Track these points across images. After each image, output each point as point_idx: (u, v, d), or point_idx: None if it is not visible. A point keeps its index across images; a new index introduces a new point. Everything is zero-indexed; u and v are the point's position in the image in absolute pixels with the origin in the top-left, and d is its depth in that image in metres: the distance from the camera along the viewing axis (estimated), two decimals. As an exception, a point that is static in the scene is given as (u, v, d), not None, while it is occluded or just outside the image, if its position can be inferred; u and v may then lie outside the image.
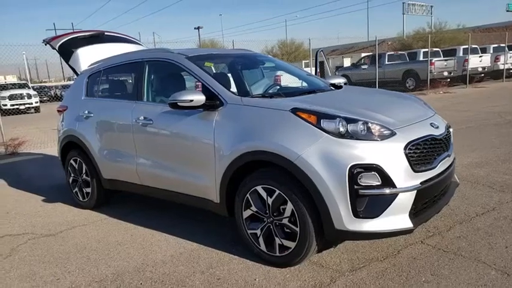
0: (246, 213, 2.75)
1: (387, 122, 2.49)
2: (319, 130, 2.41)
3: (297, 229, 2.48)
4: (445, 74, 16.71)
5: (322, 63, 6.41)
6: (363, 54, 25.45)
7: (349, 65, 23.82)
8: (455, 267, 2.50)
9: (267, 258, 2.70)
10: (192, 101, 2.85)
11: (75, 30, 4.83)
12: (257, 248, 2.74)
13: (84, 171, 4.16)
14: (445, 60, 16.95)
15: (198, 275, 2.67)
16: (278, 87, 3.79)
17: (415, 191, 2.38)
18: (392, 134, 2.42)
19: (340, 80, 3.93)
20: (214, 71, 3.45)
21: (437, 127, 2.72)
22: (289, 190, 2.47)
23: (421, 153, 2.48)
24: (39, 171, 6.47)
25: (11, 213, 4.34)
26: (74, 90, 4.42)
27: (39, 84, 39.37)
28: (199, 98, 2.87)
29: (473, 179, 4.20)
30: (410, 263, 2.60)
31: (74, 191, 4.35)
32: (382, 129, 2.42)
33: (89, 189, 4.16)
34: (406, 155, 2.37)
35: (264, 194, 2.61)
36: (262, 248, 2.71)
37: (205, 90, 2.97)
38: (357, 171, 2.29)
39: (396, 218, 2.36)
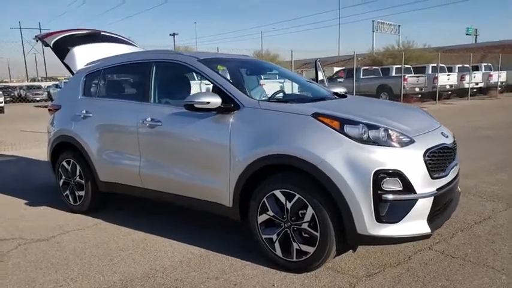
0: (262, 218, 2.72)
1: (405, 130, 2.55)
2: (342, 135, 2.43)
3: (317, 234, 2.48)
4: (417, 89, 17.40)
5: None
6: (336, 69, 26.08)
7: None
8: (467, 273, 2.57)
9: (283, 264, 2.67)
10: (208, 103, 2.82)
11: (71, 28, 4.66)
12: (272, 253, 2.71)
13: (78, 174, 3.99)
14: (417, 76, 17.65)
15: (212, 280, 2.61)
16: (282, 93, 3.80)
17: (433, 197, 2.44)
18: (411, 141, 2.48)
19: (341, 89, 4.00)
20: (228, 75, 3.41)
21: (447, 136, 2.82)
22: (310, 194, 2.47)
23: (437, 160, 2.55)
24: (15, 173, 6.15)
25: (-7, 217, 4.10)
26: (69, 89, 4.26)
27: (3, 84, 37.71)
28: (216, 100, 2.84)
29: (464, 189, 4.35)
30: (423, 268, 2.65)
31: (64, 194, 4.16)
32: (401, 137, 2.48)
33: (82, 193, 3.99)
34: (425, 161, 2.44)
35: (282, 198, 2.60)
36: (277, 253, 2.68)
37: (220, 93, 2.94)
38: (380, 176, 2.32)
39: (415, 223, 2.41)
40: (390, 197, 2.34)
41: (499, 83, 21.72)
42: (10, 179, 5.68)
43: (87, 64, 4.28)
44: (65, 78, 34.30)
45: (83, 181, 3.95)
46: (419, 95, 17.62)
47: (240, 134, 2.79)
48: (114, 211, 4.09)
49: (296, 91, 3.90)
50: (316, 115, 2.56)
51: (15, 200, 4.63)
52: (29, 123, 12.71)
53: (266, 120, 2.73)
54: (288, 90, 6.08)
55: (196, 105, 2.83)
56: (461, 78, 19.89)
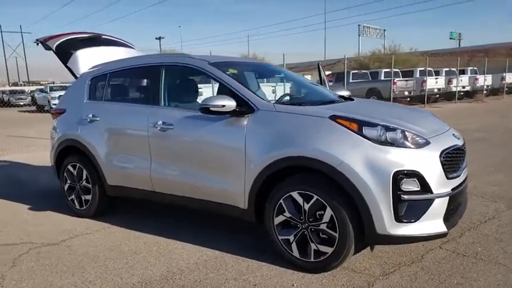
0: (278, 219, 2.76)
1: (421, 132, 2.62)
2: (361, 137, 2.49)
3: (336, 234, 2.52)
4: (406, 93, 17.66)
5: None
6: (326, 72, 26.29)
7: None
8: (481, 270, 2.65)
9: (300, 264, 2.71)
10: (224, 106, 2.85)
11: (72, 32, 4.64)
12: (289, 253, 2.75)
13: (84, 178, 3.97)
14: (406, 80, 17.93)
15: (231, 281, 2.63)
16: (289, 96, 3.84)
17: (448, 197, 2.51)
18: (427, 142, 2.55)
19: (345, 92, 4.07)
20: (244, 78, 3.45)
21: (458, 138, 2.90)
22: (329, 195, 2.52)
23: (451, 161, 2.62)
24: (12, 178, 6.06)
25: (-3, 222, 4.04)
26: (74, 93, 4.24)
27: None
28: (231, 103, 2.87)
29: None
30: (437, 267, 2.72)
31: (69, 198, 4.13)
32: (417, 138, 2.55)
33: (88, 197, 3.97)
34: (441, 162, 2.51)
35: (299, 200, 2.64)
36: (294, 254, 2.72)
37: (234, 96, 2.97)
38: (399, 177, 2.38)
39: (432, 222, 2.47)
40: (408, 197, 2.40)
41: (485, 87, 22.17)
42: (6, 184, 5.61)
43: (91, 68, 4.27)
44: (48, 83, 33.71)
45: (90, 185, 3.93)
46: (408, 99, 17.87)
47: (255, 137, 2.83)
48: (121, 215, 4.08)
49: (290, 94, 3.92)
50: (334, 117, 2.61)
51: (17, 205, 4.58)
52: (15, 128, 12.60)
53: (283, 123, 2.77)
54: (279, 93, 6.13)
55: (211, 109, 2.86)
56: (449, 82, 20.25)
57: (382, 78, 18.67)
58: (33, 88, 34.03)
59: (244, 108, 2.91)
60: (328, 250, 2.58)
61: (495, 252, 2.91)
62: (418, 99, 18.70)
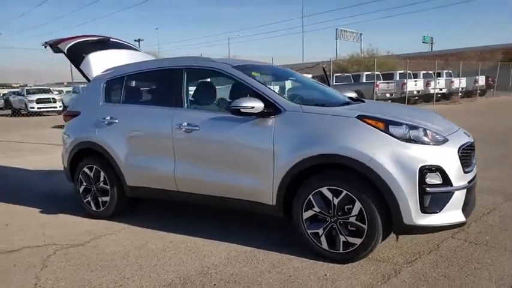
0: (307, 214, 2.92)
1: (438, 130, 2.85)
2: (388, 135, 2.69)
3: (365, 226, 2.71)
4: (387, 95, 18.21)
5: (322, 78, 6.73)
6: (305, 75, 26.74)
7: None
8: (494, 256, 2.88)
9: (329, 256, 2.88)
10: (253, 107, 3.00)
11: (82, 35, 4.68)
12: (318, 246, 2.91)
13: (102, 179, 4.02)
14: (387, 83, 18.50)
15: (266, 274, 2.77)
16: (300, 99, 4.01)
17: (465, 189, 2.74)
18: (446, 139, 2.77)
19: (352, 94, 4.28)
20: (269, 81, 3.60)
21: (469, 135, 3.14)
22: (358, 190, 2.70)
23: (467, 156, 2.86)
24: (12, 182, 6.01)
25: (12, 226, 4.04)
26: (88, 95, 4.29)
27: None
28: (259, 105, 3.02)
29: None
30: (454, 255, 2.94)
31: (85, 200, 4.17)
32: (437, 136, 2.77)
33: (106, 198, 4.02)
34: (459, 157, 2.73)
35: (329, 195, 2.81)
36: (323, 246, 2.88)
37: (260, 98, 3.12)
38: (424, 171, 2.59)
39: (453, 213, 2.69)
40: (432, 189, 2.61)
41: (460, 89, 23.08)
42: (7, 188, 5.56)
43: (105, 71, 4.33)
44: (20, 86, 32.58)
45: (108, 187, 3.99)
46: (390, 101, 18.42)
47: (283, 137, 2.99)
48: (138, 215, 4.14)
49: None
50: (361, 117, 2.80)
51: (28, 209, 4.56)
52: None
53: (311, 123, 2.94)
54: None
55: (242, 110, 3.00)
56: (427, 84, 21.01)
57: (364, 80, 19.22)
58: (5, 91, 33.04)
59: (271, 109, 3.07)
60: (357, 241, 2.76)
61: (503, 240, 3.17)
62: (399, 101, 19.31)
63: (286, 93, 4.18)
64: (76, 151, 4.17)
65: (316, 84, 4.30)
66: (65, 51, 4.44)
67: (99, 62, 4.51)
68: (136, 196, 3.95)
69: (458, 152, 2.75)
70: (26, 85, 30.12)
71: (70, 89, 28.08)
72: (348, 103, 3.59)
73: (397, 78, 20.17)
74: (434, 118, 3.34)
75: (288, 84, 4.32)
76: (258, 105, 3.02)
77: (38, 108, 21.06)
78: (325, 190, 2.82)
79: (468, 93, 24.84)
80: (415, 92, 20.02)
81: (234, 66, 3.42)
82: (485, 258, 2.87)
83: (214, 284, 2.66)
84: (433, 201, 2.63)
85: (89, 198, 4.14)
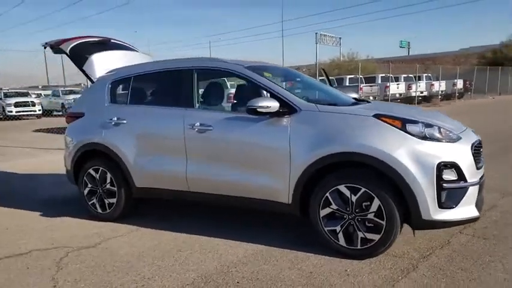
0: (324, 212, 2.97)
1: (451, 128, 2.95)
2: (405, 133, 2.76)
3: (383, 222, 2.77)
4: (371, 98, 18.49)
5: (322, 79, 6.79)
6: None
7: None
8: (504, 250, 3.00)
9: (347, 252, 2.93)
10: (269, 107, 3.04)
11: (83, 35, 4.62)
12: (335, 243, 2.96)
13: (108, 181, 3.98)
14: (371, 86, 18.85)
15: (287, 270, 2.81)
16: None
17: (478, 185, 2.85)
18: (459, 137, 2.87)
19: (355, 95, 4.37)
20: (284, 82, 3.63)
21: (477, 134, 3.26)
22: (377, 187, 2.77)
23: (478, 153, 2.97)
24: (4, 186, 5.86)
25: (12, 229, 3.94)
26: (93, 96, 4.23)
27: None
28: (275, 104, 3.06)
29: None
30: (465, 249, 3.04)
31: (90, 202, 4.11)
32: (450, 134, 2.87)
33: (113, 200, 3.98)
34: (472, 154, 2.84)
35: (347, 192, 2.87)
36: (341, 243, 2.94)
37: (275, 98, 3.16)
38: (441, 168, 2.68)
39: (467, 208, 2.79)
40: (449, 185, 2.70)
41: (440, 92, 23.73)
42: (8, 193, 5.42)
43: (109, 72, 4.29)
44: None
45: (115, 188, 3.95)
46: (374, 103, 18.81)
47: (300, 136, 3.03)
48: (145, 217, 4.11)
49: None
50: (378, 116, 2.87)
51: (28, 213, 4.47)
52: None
53: (327, 122, 2.99)
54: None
55: (258, 110, 3.03)
56: (409, 87, 21.51)
57: (347, 84, 19.53)
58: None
59: (286, 108, 3.11)
60: (375, 237, 2.82)
61: (509, 234, 3.29)
62: (382, 103, 19.73)
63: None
64: (81, 153, 4.11)
65: (322, 85, 4.37)
66: (68, 51, 4.38)
67: (102, 63, 4.47)
68: (144, 197, 3.92)
69: (471, 149, 2.85)
70: (1, 88, 29.31)
71: (49, 92, 27.51)
72: (355, 103, 3.67)
73: (379, 82, 20.59)
74: (441, 117, 3.44)
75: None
76: (274, 104, 3.06)
77: (16, 112, 20.49)
78: (342, 188, 2.88)
79: (447, 96, 25.55)
80: (397, 95, 20.48)
81: (246, 67, 3.45)
82: (495, 251, 2.98)
83: (238, 282, 2.68)
84: (449, 196, 2.72)
85: (94, 200, 4.08)
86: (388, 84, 19.26)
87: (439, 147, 2.74)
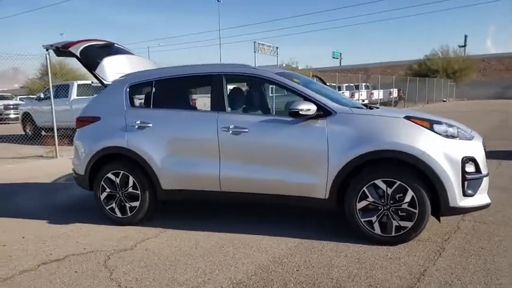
0: (361, 205, 3.30)
1: (464, 128, 3.44)
2: (433, 132, 3.19)
3: (416, 211, 3.16)
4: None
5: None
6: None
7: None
8: (506, 231, 3.53)
9: (381, 239, 3.28)
10: (309, 110, 3.32)
11: (88, 39, 4.54)
12: (371, 232, 3.30)
13: (131, 185, 3.97)
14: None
15: (336, 258, 3.08)
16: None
17: (488, 176, 3.35)
18: (472, 136, 3.37)
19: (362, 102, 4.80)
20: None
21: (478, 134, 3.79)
22: (411, 180, 3.16)
23: (485, 150, 3.48)
24: (6, 197, 5.51)
25: (30, 238, 3.80)
26: (109, 100, 4.20)
27: None
28: (313, 108, 3.35)
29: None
30: (475, 233, 3.53)
31: (108, 207, 4.06)
32: (465, 133, 3.35)
33: (135, 203, 3.97)
34: (484, 150, 3.34)
35: (383, 186, 3.22)
36: (377, 232, 3.28)
37: (310, 101, 3.44)
38: (464, 161, 3.14)
39: (482, 196, 3.28)
40: (470, 176, 3.17)
41: (379, 100, 25.54)
42: (13, 203, 5.17)
43: (124, 76, 4.30)
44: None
45: (138, 191, 3.95)
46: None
47: (337, 136, 3.34)
48: (167, 219, 4.15)
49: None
50: (408, 117, 3.28)
51: (38, 221, 4.28)
52: None
53: (363, 123, 3.33)
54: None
55: (300, 112, 3.30)
56: (351, 96, 22.90)
57: (298, 92, 20.32)
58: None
59: (322, 111, 3.41)
60: (408, 224, 3.20)
61: (501, 218, 3.86)
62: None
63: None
64: (99, 157, 4.06)
65: (334, 91, 4.72)
66: (78, 54, 4.31)
67: (113, 67, 4.46)
68: (171, 199, 3.98)
69: (483, 146, 3.35)
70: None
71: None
72: (369, 107, 4.06)
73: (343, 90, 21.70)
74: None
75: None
76: (312, 107, 3.35)
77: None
78: (379, 182, 3.23)
79: (384, 104, 27.50)
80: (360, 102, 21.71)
81: (277, 73, 3.70)
82: (499, 232, 3.51)
83: (297, 270, 2.90)
84: (470, 186, 3.19)
85: (113, 205, 4.05)
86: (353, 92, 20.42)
87: (461, 144, 3.21)
